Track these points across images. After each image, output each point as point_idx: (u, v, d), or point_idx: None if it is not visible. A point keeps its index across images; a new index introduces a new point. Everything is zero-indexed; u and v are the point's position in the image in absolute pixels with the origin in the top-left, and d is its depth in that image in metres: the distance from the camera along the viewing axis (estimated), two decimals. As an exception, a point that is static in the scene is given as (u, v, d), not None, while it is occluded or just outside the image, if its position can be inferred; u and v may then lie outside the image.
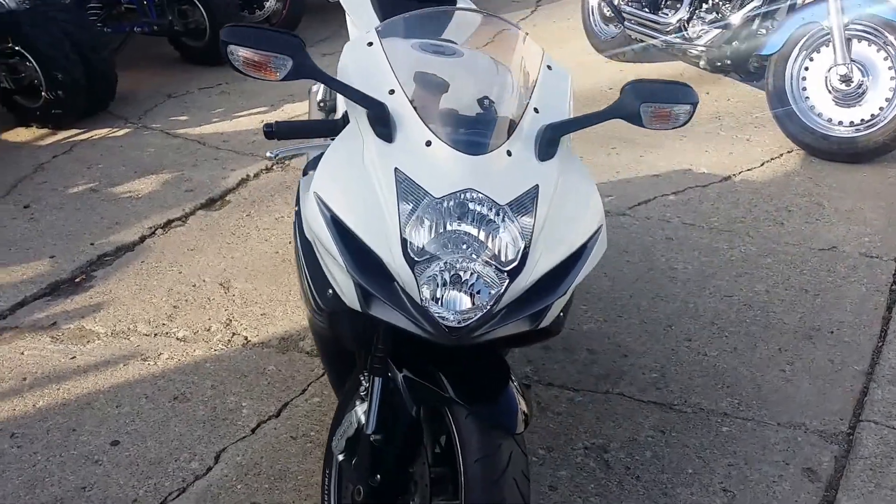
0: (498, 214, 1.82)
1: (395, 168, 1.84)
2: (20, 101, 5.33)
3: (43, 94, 5.18)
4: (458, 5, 2.66)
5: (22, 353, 3.33)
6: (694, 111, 2.02)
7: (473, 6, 2.83)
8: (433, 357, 1.96)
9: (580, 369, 3.14)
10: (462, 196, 1.81)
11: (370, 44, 2.07)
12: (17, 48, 5.10)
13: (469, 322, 1.78)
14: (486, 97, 2.05)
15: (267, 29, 1.93)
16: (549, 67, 2.13)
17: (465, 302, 1.79)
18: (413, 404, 1.98)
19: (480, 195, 1.81)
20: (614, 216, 4.12)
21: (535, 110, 2.00)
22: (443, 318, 1.78)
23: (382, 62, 2.02)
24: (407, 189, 1.82)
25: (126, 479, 2.71)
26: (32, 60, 5.14)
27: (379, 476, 2.02)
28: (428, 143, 1.87)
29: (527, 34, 2.24)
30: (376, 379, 2.01)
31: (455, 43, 2.23)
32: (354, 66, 2.06)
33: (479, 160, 1.86)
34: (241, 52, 1.87)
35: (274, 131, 2.09)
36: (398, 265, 1.79)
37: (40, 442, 2.88)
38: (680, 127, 2.05)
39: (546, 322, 1.89)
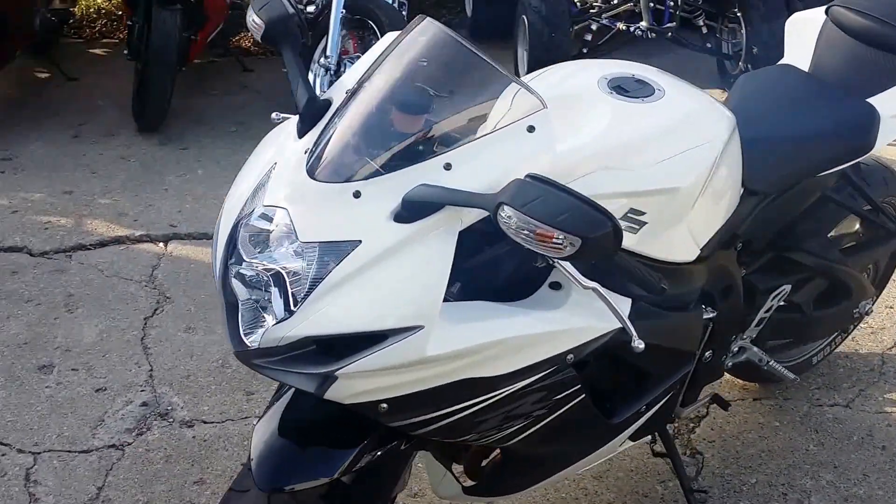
0: (289, 247, 1.57)
1: (275, 163, 1.72)
2: None
3: None
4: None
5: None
6: (584, 248, 1.38)
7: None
8: None
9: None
10: (273, 214, 1.61)
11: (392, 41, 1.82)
12: (738, 13, 4.98)
13: (250, 347, 1.60)
14: (424, 135, 1.66)
15: (284, 2, 1.87)
16: (530, 129, 1.61)
17: (266, 322, 1.60)
18: None
19: (288, 222, 1.58)
20: None
21: (447, 166, 1.57)
22: (241, 331, 1.62)
23: (372, 59, 1.79)
24: (262, 186, 1.69)
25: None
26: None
27: None
28: (306, 152, 1.67)
29: (529, 89, 1.67)
30: None
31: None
32: (371, 54, 1.85)
33: (317, 187, 1.60)
34: (252, 17, 1.89)
35: None
36: (219, 257, 1.70)
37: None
38: (564, 259, 1.44)
39: (334, 396, 1.57)
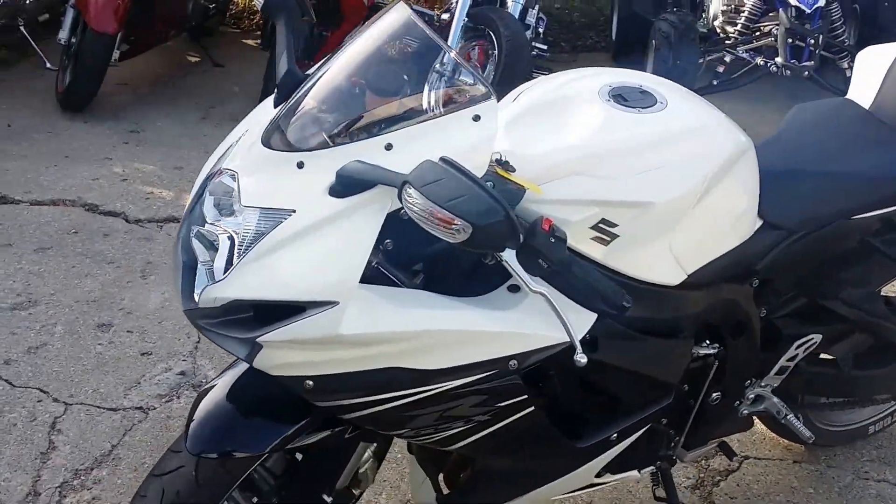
0: (236, 211, 1.59)
1: (247, 130, 1.73)
2: None
3: None
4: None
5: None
6: (475, 235, 1.36)
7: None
8: None
9: None
10: (226, 175, 1.64)
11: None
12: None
13: (196, 306, 1.60)
14: (374, 113, 1.67)
15: None
16: (475, 118, 1.57)
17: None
18: None
19: (235, 184, 1.61)
20: None
21: (388, 146, 1.56)
22: (194, 290, 1.63)
23: None
24: (229, 149, 1.72)
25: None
26: None
27: None
28: (269, 121, 1.68)
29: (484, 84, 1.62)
30: None
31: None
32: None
33: (267, 154, 1.61)
34: None
35: None
36: (184, 217, 1.73)
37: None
38: (461, 246, 1.39)
39: (262, 365, 1.57)
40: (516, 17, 4.60)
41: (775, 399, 2.22)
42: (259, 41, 5.24)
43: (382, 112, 1.67)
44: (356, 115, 1.68)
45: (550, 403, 1.84)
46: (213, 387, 1.82)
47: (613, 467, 1.99)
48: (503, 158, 1.61)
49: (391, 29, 1.71)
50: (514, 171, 1.61)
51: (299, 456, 1.92)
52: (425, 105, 1.65)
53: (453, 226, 1.36)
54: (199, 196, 1.69)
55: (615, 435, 1.90)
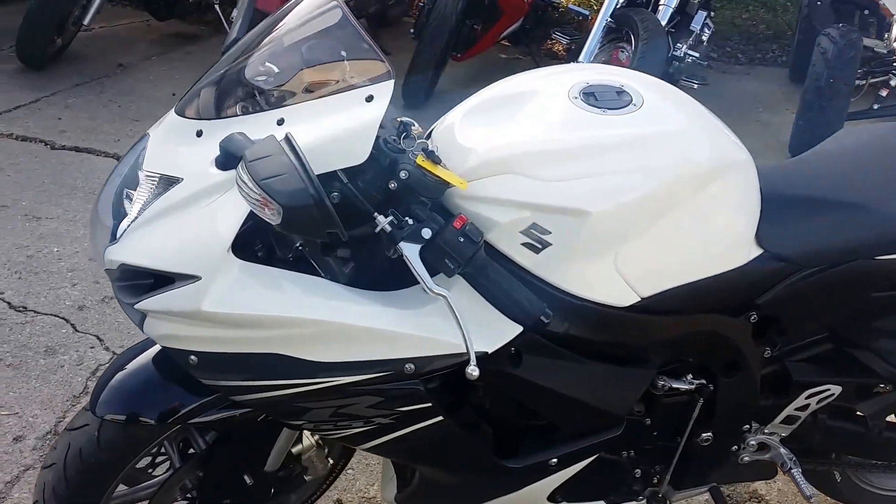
0: (134, 172, 1.63)
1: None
2: None
3: None
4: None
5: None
6: (287, 218, 1.35)
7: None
8: None
9: None
10: (142, 141, 1.69)
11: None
12: None
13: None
14: (275, 87, 1.66)
15: None
16: (369, 98, 1.50)
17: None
18: None
19: (143, 149, 1.65)
20: None
21: (280, 121, 1.53)
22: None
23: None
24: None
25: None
26: None
27: None
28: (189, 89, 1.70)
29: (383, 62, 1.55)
30: None
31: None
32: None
33: (173, 120, 1.64)
34: None
35: None
36: (113, 175, 1.78)
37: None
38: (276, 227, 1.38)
39: (149, 332, 1.58)
40: (664, 21, 4.39)
41: (782, 449, 1.98)
42: (412, 31, 5.28)
43: (286, 85, 1.66)
44: (265, 87, 1.66)
45: (479, 416, 1.74)
46: (134, 350, 1.83)
47: (569, 494, 1.86)
48: (430, 148, 1.51)
49: (315, 4, 1.69)
50: (439, 162, 1.51)
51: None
52: (327, 81, 1.62)
53: (269, 206, 1.33)
54: (136, 158, 1.71)
55: (555, 460, 1.77)
